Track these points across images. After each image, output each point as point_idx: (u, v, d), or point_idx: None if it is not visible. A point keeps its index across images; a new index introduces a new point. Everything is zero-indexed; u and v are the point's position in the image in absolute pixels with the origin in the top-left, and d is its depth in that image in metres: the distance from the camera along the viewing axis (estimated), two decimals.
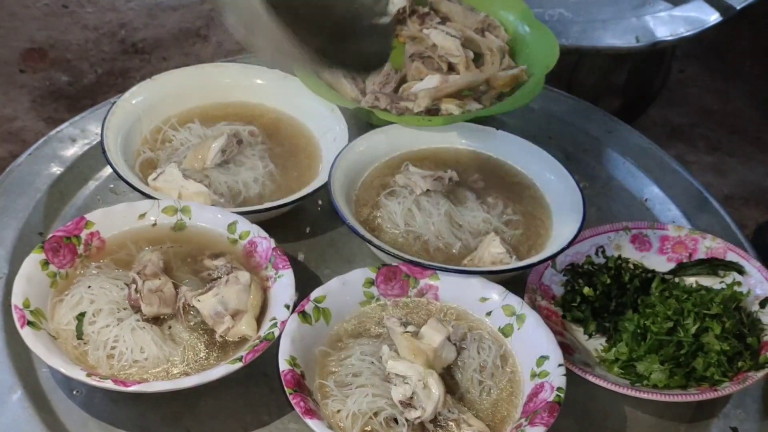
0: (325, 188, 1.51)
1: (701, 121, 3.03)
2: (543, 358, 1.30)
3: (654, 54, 2.53)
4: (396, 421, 1.24)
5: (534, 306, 1.41)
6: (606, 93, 2.60)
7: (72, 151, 1.68)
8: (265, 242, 1.42)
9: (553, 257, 1.45)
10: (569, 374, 1.29)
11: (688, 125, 3.00)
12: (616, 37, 2.18)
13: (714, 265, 1.50)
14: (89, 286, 1.34)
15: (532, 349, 1.33)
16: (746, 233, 2.02)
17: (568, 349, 1.37)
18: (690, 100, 3.09)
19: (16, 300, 1.29)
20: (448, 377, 1.30)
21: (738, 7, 2.21)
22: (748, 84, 3.14)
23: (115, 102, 1.63)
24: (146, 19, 3.25)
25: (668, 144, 2.82)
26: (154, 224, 1.45)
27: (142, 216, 1.45)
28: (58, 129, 1.72)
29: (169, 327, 1.33)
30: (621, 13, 2.23)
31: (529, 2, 1.93)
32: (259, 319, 1.34)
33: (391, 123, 1.65)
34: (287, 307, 1.32)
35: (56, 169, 1.64)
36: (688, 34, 2.20)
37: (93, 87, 3.00)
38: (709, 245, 1.52)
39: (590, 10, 2.23)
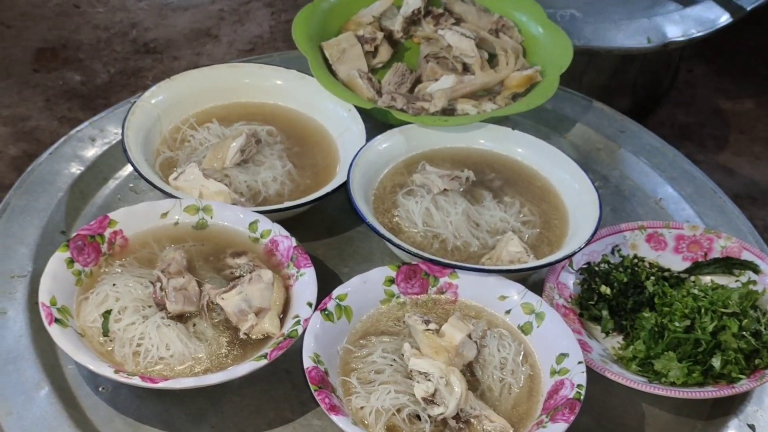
0: (344, 187, 1.52)
1: (709, 121, 3.04)
2: (563, 356, 1.32)
3: (663, 54, 2.55)
4: (419, 417, 1.26)
5: (551, 304, 1.43)
6: (615, 93, 2.62)
7: (92, 151, 1.69)
8: (286, 241, 1.43)
9: (570, 256, 1.47)
10: (587, 371, 1.30)
11: (697, 125, 3.02)
12: (628, 37, 2.19)
13: (729, 264, 1.51)
14: (114, 284, 1.35)
15: (552, 347, 1.34)
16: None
17: (585, 346, 1.39)
18: (698, 100, 3.11)
19: (43, 298, 1.31)
20: (468, 374, 1.32)
21: (748, 8, 2.22)
22: (755, 84, 3.16)
23: (134, 102, 1.65)
24: (157, 18, 3.27)
25: (677, 143, 2.83)
26: (176, 223, 1.47)
27: (165, 215, 1.46)
28: (77, 129, 1.73)
29: (194, 324, 1.35)
30: (632, 13, 2.24)
31: (541, 2, 1.94)
32: (282, 317, 1.36)
33: (408, 123, 1.66)
34: (310, 305, 1.34)
35: (76, 169, 1.65)
36: (699, 34, 2.21)
37: (106, 86, 3.02)
38: (724, 244, 1.53)
39: (601, 10, 2.24)
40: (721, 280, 1.51)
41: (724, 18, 2.26)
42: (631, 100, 2.70)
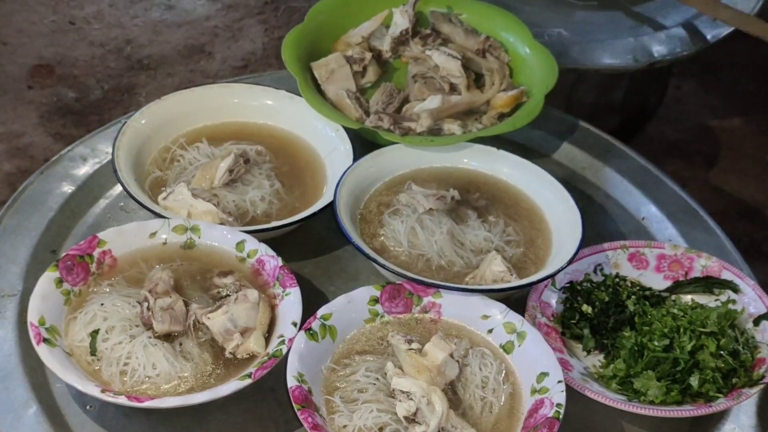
0: (331, 207, 1.55)
1: (698, 138, 3.07)
2: (543, 375, 1.34)
3: (651, 72, 2.57)
4: None
5: (534, 323, 1.45)
6: (604, 110, 2.64)
7: (83, 170, 1.71)
8: (272, 261, 1.46)
9: (552, 275, 1.49)
10: (568, 390, 1.33)
11: (685, 141, 3.05)
12: (614, 56, 2.22)
13: (709, 284, 1.54)
14: (102, 304, 1.38)
15: (533, 366, 1.37)
16: (741, 247, 2.05)
17: (566, 365, 1.41)
18: (687, 116, 3.14)
19: (32, 317, 1.33)
20: (450, 393, 1.34)
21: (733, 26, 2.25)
22: (743, 100, 3.19)
23: (125, 122, 1.67)
24: (151, 35, 3.30)
25: (665, 160, 2.87)
26: (165, 243, 1.49)
27: (153, 235, 1.49)
28: (69, 148, 1.75)
29: (180, 344, 1.37)
30: (619, 33, 2.27)
31: (530, 22, 1.97)
32: (267, 336, 1.38)
33: (395, 143, 1.69)
34: (294, 324, 1.36)
35: (68, 188, 1.68)
36: (684, 53, 2.24)
37: (99, 103, 3.05)
38: (704, 264, 1.56)
39: (589, 30, 2.27)
40: (701, 299, 1.53)
41: (711, 36, 2.29)
42: (620, 118, 2.72)
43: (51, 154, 1.74)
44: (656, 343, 1.39)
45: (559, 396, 1.30)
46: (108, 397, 1.26)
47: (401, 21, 1.93)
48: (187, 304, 1.40)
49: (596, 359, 1.47)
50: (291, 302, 1.40)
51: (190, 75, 3.15)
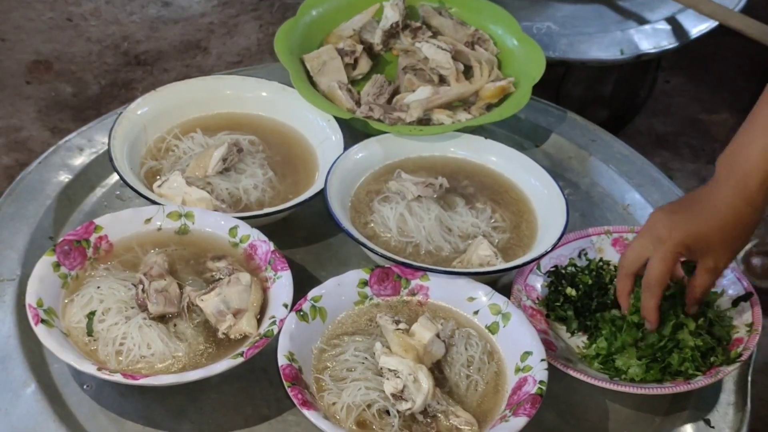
0: (322, 194, 1.59)
1: (686, 130, 3.11)
2: (527, 354, 1.38)
3: (639, 65, 2.62)
4: (388, 412, 1.32)
5: (519, 305, 1.49)
6: (593, 103, 2.69)
7: (80, 160, 1.75)
8: (264, 245, 1.50)
9: (537, 259, 1.53)
10: (552, 369, 1.37)
11: (673, 134, 3.09)
12: (602, 50, 2.27)
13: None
14: (98, 287, 1.41)
15: (517, 346, 1.40)
16: None
17: (551, 346, 1.45)
18: (675, 109, 3.18)
19: (30, 299, 1.37)
20: (437, 372, 1.38)
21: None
22: (731, 94, 3.23)
23: (121, 113, 1.71)
24: (148, 31, 3.34)
25: (653, 152, 2.91)
26: (159, 228, 1.53)
27: (148, 221, 1.53)
28: (66, 139, 1.79)
29: (175, 325, 1.41)
30: (606, 27, 2.32)
31: (519, 16, 2.01)
32: (260, 318, 1.42)
33: (385, 133, 1.73)
34: (285, 306, 1.40)
35: (65, 177, 1.71)
36: (670, 46, 2.28)
37: (97, 98, 3.09)
38: None
39: (577, 24, 2.32)
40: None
41: (696, 30, 2.34)
42: (609, 110, 2.77)
43: (49, 147, 1.78)
44: (635, 319, 1.43)
45: (541, 374, 1.34)
46: (104, 375, 1.29)
47: (392, 14, 1.97)
48: (181, 287, 1.43)
49: (580, 340, 1.51)
50: (282, 285, 1.43)
51: (186, 70, 3.19)
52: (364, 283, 1.48)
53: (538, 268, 1.57)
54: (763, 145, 1.31)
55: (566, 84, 2.58)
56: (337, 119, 1.74)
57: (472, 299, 1.47)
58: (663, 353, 1.42)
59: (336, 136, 1.72)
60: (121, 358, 1.36)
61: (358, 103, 1.82)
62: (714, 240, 1.35)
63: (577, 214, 1.73)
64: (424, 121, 1.79)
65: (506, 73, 1.92)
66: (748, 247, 2.44)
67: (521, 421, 1.28)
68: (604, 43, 2.28)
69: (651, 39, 2.29)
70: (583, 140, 1.92)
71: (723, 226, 1.34)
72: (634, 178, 1.83)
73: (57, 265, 1.43)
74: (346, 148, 1.69)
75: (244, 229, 1.52)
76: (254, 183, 1.66)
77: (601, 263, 1.59)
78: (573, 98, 2.59)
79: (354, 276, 1.47)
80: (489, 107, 1.85)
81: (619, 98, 2.77)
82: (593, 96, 2.67)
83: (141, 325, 1.38)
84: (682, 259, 1.43)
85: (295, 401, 1.28)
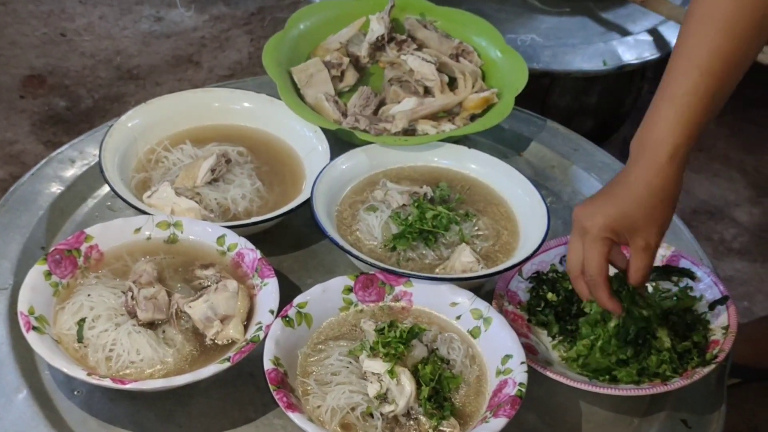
0: (308, 204, 1.62)
1: None
2: (507, 357, 1.42)
3: (624, 76, 2.66)
4: (372, 415, 1.35)
5: (501, 310, 1.52)
6: (578, 113, 2.73)
7: (71, 172, 1.78)
8: (251, 253, 1.53)
9: (518, 265, 1.57)
10: (532, 372, 1.40)
11: None
12: (585, 61, 2.31)
13: (668, 272, 1.61)
14: (89, 295, 1.45)
15: (498, 349, 1.44)
16: (712, 246, 2.12)
17: (532, 350, 1.48)
18: None
19: (22, 307, 1.40)
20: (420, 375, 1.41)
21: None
22: None
23: (112, 125, 1.74)
24: (141, 46, 3.38)
25: None
26: (149, 238, 1.56)
27: (138, 230, 1.56)
28: (58, 151, 1.82)
29: (163, 331, 1.44)
30: (590, 38, 2.36)
31: (503, 28, 2.05)
32: (246, 324, 1.45)
33: (371, 143, 1.76)
34: (272, 312, 1.43)
35: (57, 188, 1.75)
36: (652, 57, 2.33)
37: (90, 111, 3.13)
38: (663, 253, 1.63)
39: (560, 35, 2.36)
40: (665, 285, 1.60)
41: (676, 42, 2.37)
42: (595, 121, 2.81)
43: (42, 160, 1.82)
44: (612, 323, 1.45)
45: (521, 376, 1.37)
46: (94, 380, 1.32)
47: (377, 27, 2.01)
48: (169, 294, 1.47)
49: (561, 345, 1.54)
50: (269, 292, 1.47)
51: (178, 84, 3.23)
52: (349, 290, 1.51)
53: (520, 274, 1.61)
54: (670, 116, 1.32)
55: (552, 95, 2.63)
56: (324, 130, 1.78)
57: (454, 304, 1.50)
58: (641, 356, 1.44)
59: (323, 146, 1.76)
60: (110, 364, 1.39)
61: (344, 115, 1.85)
62: (636, 218, 1.34)
63: (559, 222, 1.76)
64: (409, 131, 1.82)
65: (490, 84, 1.96)
66: None
67: (501, 422, 1.31)
68: (587, 55, 2.32)
69: (633, 50, 2.33)
70: (565, 149, 1.95)
71: (641, 203, 1.34)
72: None
73: (48, 274, 1.46)
74: (332, 158, 1.72)
75: (232, 237, 1.55)
76: (242, 193, 1.69)
77: None
78: (559, 109, 2.63)
79: (339, 282, 1.51)
80: (473, 117, 1.88)
81: (605, 109, 2.81)
82: (579, 106, 2.71)
83: (130, 332, 1.41)
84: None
85: (281, 404, 1.31)
